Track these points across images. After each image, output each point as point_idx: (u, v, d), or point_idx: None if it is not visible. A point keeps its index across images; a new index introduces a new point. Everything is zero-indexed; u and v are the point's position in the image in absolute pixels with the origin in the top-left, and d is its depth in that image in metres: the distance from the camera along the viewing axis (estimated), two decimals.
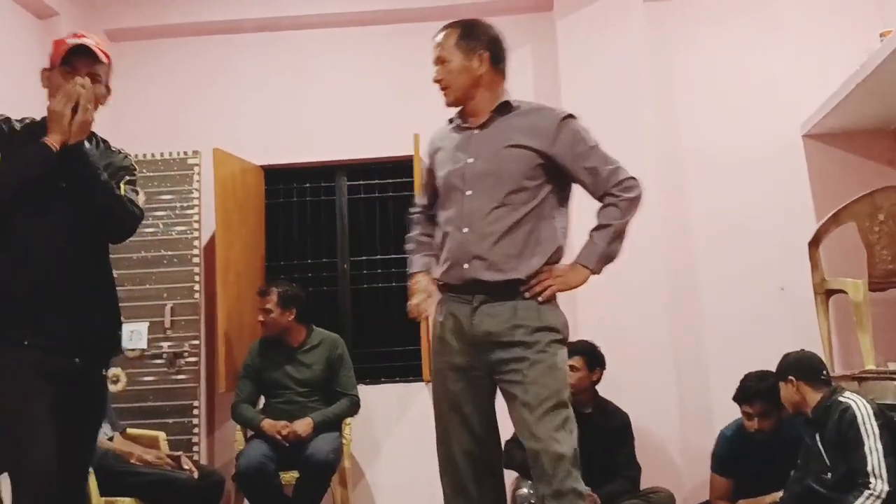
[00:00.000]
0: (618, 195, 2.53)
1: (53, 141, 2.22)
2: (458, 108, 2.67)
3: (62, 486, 2.11)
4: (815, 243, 4.31)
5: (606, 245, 2.50)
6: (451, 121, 2.72)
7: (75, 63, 2.32)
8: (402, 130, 4.86)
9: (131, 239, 4.51)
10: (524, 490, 4.21)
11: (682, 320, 4.73)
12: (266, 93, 5.21)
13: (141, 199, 2.48)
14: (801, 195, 4.79)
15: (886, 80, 4.04)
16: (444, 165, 2.61)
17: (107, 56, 2.39)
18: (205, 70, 5.29)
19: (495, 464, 2.60)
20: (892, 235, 3.98)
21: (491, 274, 2.45)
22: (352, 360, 4.48)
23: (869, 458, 3.06)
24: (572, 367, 4.06)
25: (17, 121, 2.37)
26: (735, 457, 3.79)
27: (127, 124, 5.22)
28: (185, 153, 4.69)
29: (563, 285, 2.47)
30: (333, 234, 5.23)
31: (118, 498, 2.92)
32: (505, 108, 2.60)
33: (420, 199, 2.89)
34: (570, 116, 2.58)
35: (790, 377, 3.36)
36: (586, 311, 4.59)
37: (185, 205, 4.64)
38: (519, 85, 5.04)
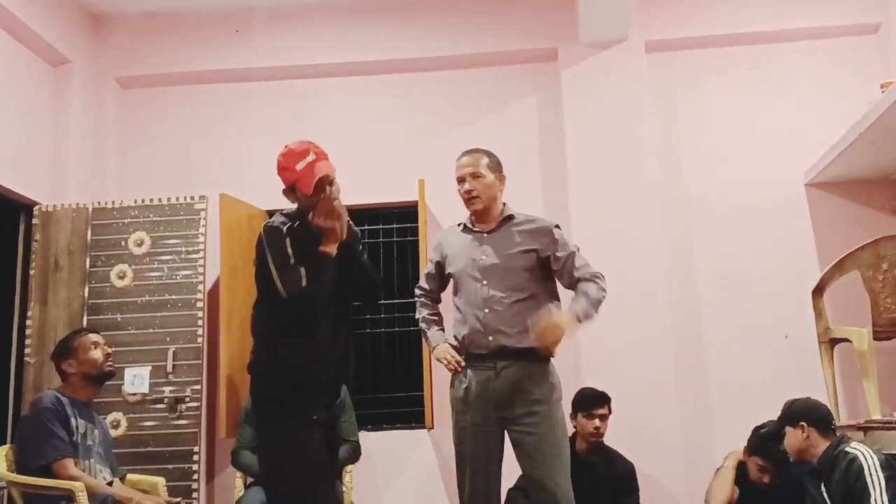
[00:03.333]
0: (591, 278, 3.17)
1: (332, 249, 2.74)
2: (470, 215, 3.35)
3: None
4: (818, 292, 4.31)
5: (587, 305, 3.08)
6: (459, 224, 3.41)
7: (325, 181, 2.79)
8: (407, 176, 4.91)
9: (136, 282, 4.58)
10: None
11: (687, 368, 4.71)
12: (273, 139, 5.19)
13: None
14: (805, 244, 4.80)
15: (888, 130, 4.08)
16: (458, 261, 3.29)
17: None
18: (213, 116, 5.35)
19: None
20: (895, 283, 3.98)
21: (510, 341, 3.11)
22: (353, 406, 4.45)
23: None
24: (602, 416, 4.06)
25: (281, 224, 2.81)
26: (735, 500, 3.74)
27: (135, 169, 5.29)
28: (192, 198, 4.72)
29: (558, 329, 2.98)
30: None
31: None
32: (509, 218, 3.31)
33: (425, 283, 3.50)
34: (557, 226, 3.30)
35: (802, 423, 3.33)
36: (591, 358, 4.58)
37: (190, 249, 4.65)
38: (524, 134, 5.20)
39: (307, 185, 2.76)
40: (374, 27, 5.27)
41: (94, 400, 3.71)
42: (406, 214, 5.17)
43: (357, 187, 5.20)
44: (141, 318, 4.56)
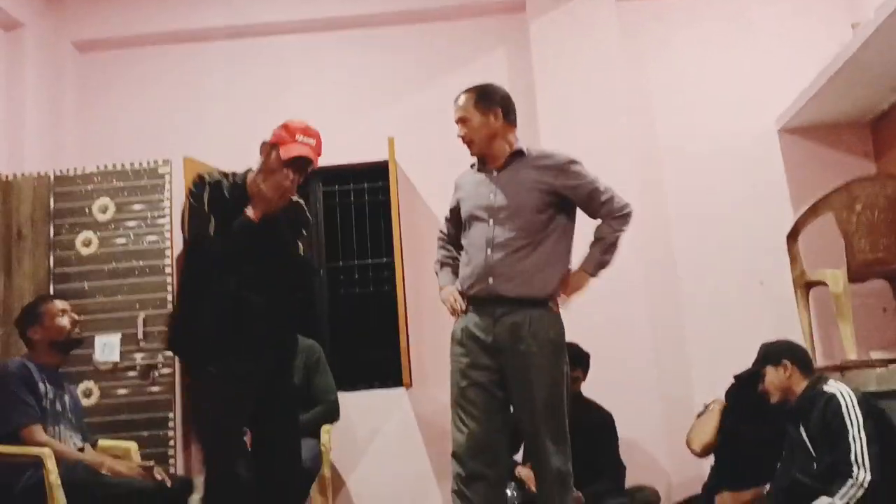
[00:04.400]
0: (610, 216, 3.08)
1: (255, 216, 2.81)
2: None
3: None
4: (793, 236, 4.30)
5: (601, 254, 3.07)
6: (472, 165, 3.25)
7: (298, 165, 2.87)
8: (377, 135, 4.82)
9: (101, 249, 4.47)
10: (507, 492, 4.15)
11: (663, 317, 4.70)
12: (237, 100, 5.15)
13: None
14: (779, 189, 4.79)
15: (859, 71, 4.05)
16: (469, 200, 3.14)
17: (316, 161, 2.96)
18: (175, 79, 5.22)
19: (499, 454, 2.99)
20: (870, 225, 3.97)
21: (511, 288, 2.94)
22: (330, 366, 4.40)
23: (852, 447, 3.02)
24: (575, 378, 4.04)
25: (226, 178, 2.91)
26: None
27: (97, 134, 5.16)
28: (156, 162, 4.60)
29: (576, 292, 3.09)
30: (310, 239, 5.16)
31: None
32: (519, 154, 3.11)
33: (444, 227, 3.39)
34: (574, 161, 3.09)
35: (784, 361, 3.32)
36: (567, 310, 4.55)
37: (155, 214, 4.54)
38: None
39: (288, 152, 2.82)
40: None
41: (65, 369, 3.65)
42: (377, 173, 5.08)
43: (325, 147, 5.12)
44: (108, 285, 4.46)
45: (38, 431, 3.05)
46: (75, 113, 5.18)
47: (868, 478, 2.96)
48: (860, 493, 2.95)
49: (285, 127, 2.92)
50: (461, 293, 3.09)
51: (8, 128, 4.76)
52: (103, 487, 2.89)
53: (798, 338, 4.09)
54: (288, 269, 2.96)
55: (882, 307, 4.56)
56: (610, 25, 4.96)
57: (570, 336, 4.20)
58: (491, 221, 3.03)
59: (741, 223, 4.75)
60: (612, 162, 4.70)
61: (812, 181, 4.59)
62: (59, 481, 2.84)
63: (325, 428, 4.19)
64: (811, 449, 3.17)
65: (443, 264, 3.31)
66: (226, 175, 2.95)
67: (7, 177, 4.57)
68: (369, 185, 5.19)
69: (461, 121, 3.11)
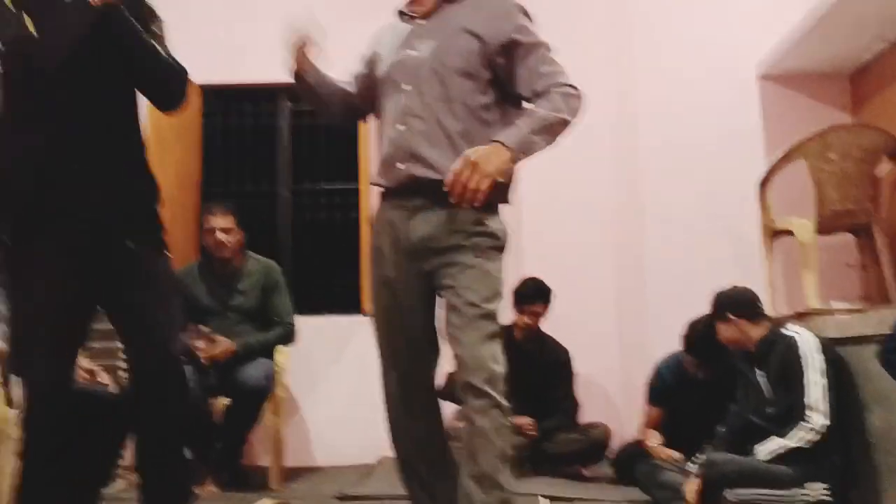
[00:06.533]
0: (554, 93, 2.24)
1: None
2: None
3: None
4: (764, 183, 4.25)
5: (529, 132, 2.16)
6: (400, 14, 2.45)
7: None
8: (352, 52, 4.64)
9: None
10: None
11: (626, 257, 4.67)
12: (204, 4, 4.95)
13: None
14: (754, 137, 4.71)
15: (844, 17, 3.97)
16: (383, 63, 2.38)
17: None
18: None
19: (426, 386, 2.39)
20: (842, 175, 3.93)
21: (426, 172, 2.23)
22: (290, 292, 4.32)
23: (809, 391, 3.01)
24: (534, 312, 4.00)
25: None
26: (669, 391, 3.76)
27: None
28: None
29: (485, 175, 2.06)
30: (275, 160, 5.03)
31: None
32: None
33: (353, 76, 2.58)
34: (524, 11, 2.34)
35: (728, 315, 3.30)
36: (530, 243, 4.50)
37: None
38: None
39: None
40: None
41: None
42: None
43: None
44: None
45: None
46: None
47: (824, 423, 2.95)
48: (814, 437, 2.95)
49: None
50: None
51: None
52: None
53: (759, 285, 4.08)
54: (145, 78, 2.21)
55: (846, 262, 4.56)
56: None
57: (532, 271, 4.18)
58: (409, 87, 2.29)
59: (713, 167, 4.68)
60: (586, 104, 4.61)
61: (788, 130, 4.51)
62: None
63: (279, 349, 4.13)
64: (768, 392, 3.17)
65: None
66: None
67: None
68: None
69: None
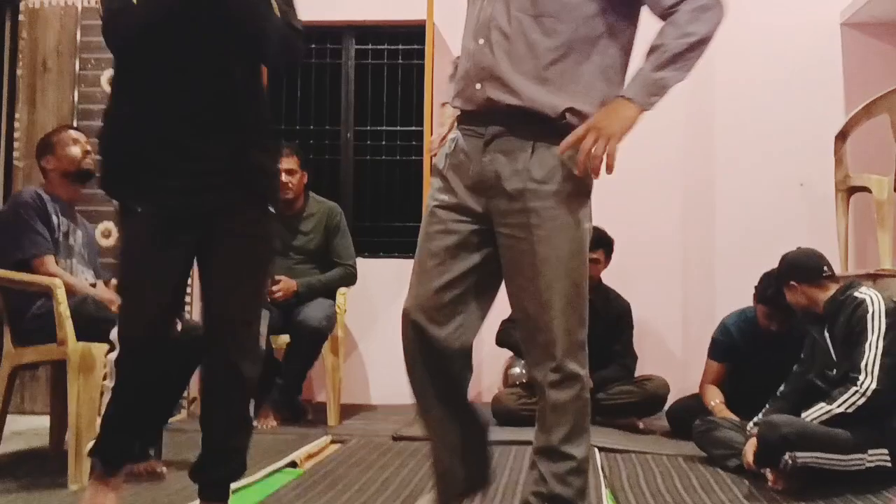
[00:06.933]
0: (682, 11, 1.90)
1: None
2: None
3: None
4: (841, 137, 4.09)
5: (654, 69, 1.88)
6: None
7: None
8: None
9: None
10: (517, 369, 4.15)
11: (695, 211, 4.57)
12: None
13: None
14: (834, 87, 4.53)
15: None
16: None
17: None
18: None
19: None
20: None
21: (507, 97, 1.92)
22: (351, 232, 4.35)
23: (866, 353, 2.91)
24: (594, 261, 3.92)
25: None
26: (734, 347, 3.68)
27: None
28: None
29: (612, 136, 1.83)
30: (338, 100, 5.01)
31: (94, 343, 2.83)
32: None
33: None
34: None
35: (791, 282, 3.20)
36: (596, 195, 4.41)
37: None
38: None
39: None
40: None
41: (85, 207, 3.61)
42: (413, 35, 4.86)
43: (358, 1, 4.90)
44: None
45: (49, 262, 3.02)
46: None
47: (873, 386, 2.85)
48: (861, 400, 2.85)
49: None
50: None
51: None
52: (111, 323, 2.86)
53: (833, 243, 3.96)
54: (253, 44, 2.11)
55: None
56: None
57: (595, 221, 4.11)
58: None
59: (789, 119, 4.52)
60: None
61: (871, 81, 4.32)
62: (68, 312, 2.82)
63: (340, 290, 4.17)
64: (833, 353, 3.09)
65: (455, 66, 2.18)
66: None
67: (34, 4, 4.44)
68: (404, 47, 4.99)
69: None
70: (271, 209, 2.25)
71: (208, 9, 2.04)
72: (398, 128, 4.98)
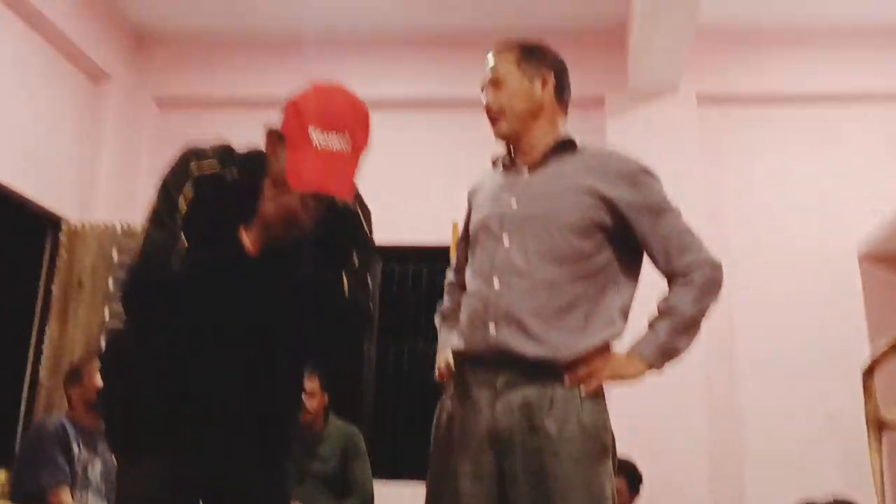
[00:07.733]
0: (691, 276, 1.97)
1: (253, 242, 1.74)
2: (506, 146, 2.16)
3: None
4: (870, 372, 4.04)
5: (668, 336, 1.94)
6: (495, 162, 2.20)
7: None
8: (441, 218, 4.74)
9: None
10: None
11: (722, 443, 4.46)
12: None
13: (374, 278, 1.98)
14: (855, 318, 4.54)
15: None
16: (481, 210, 2.12)
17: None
18: (250, 144, 5.26)
19: None
20: None
21: (524, 344, 1.90)
22: (370, 452, 4.26)
23: None
24: (620, 494, 3.79)
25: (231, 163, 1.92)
26: None
27: None
28: None
29: (613, 377, 1.92)
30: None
31: None
32: (567, 146, 2.07)
33: (455, 263, 2.33)
34: (649, 172, 2.06)
35: None
36: (619, 422, 4.33)
37: None
38: None
39: (298, 172, 1.69)
40: (426, 62, 5.19)
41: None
42: (437, 257, 4.99)
43: (388, 225, 5.04)
44: None
45: (64, 494, 2.98)
46: (149, 168, 5.24)
47: None
48: None
49: (298, 105, 1.80)
50: (456, 354, 2.06)
51: (82, 177, 4.83)
52: None
53: (867, 480, 3.82)
54: (309, 324, 1.88)
55: None
56: (689, 129, 4.85)
57: (620, 452, 4.01)
58: (505, 238, 2.01)
59: (814, 350, 4.52)
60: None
61: (892, 313, 4.34)
62: None
63: None
64: None
65: (445, 317, 2.27)
66: (232, 157, 1.95)
67: (76, 226, 4.61)
68: (428, 268, 5.11)
69: (492, 84, 2.10)
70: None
71: (261, 290, 1.79)
72: (420, 345, 5.01)
